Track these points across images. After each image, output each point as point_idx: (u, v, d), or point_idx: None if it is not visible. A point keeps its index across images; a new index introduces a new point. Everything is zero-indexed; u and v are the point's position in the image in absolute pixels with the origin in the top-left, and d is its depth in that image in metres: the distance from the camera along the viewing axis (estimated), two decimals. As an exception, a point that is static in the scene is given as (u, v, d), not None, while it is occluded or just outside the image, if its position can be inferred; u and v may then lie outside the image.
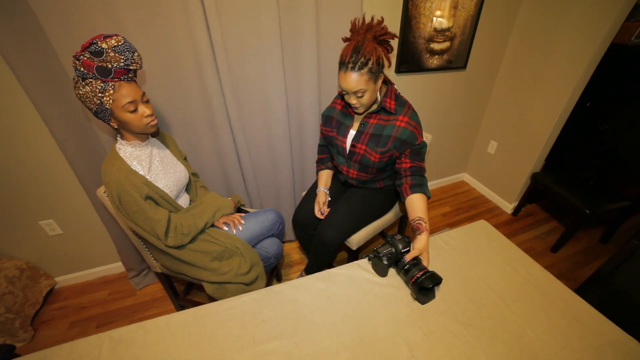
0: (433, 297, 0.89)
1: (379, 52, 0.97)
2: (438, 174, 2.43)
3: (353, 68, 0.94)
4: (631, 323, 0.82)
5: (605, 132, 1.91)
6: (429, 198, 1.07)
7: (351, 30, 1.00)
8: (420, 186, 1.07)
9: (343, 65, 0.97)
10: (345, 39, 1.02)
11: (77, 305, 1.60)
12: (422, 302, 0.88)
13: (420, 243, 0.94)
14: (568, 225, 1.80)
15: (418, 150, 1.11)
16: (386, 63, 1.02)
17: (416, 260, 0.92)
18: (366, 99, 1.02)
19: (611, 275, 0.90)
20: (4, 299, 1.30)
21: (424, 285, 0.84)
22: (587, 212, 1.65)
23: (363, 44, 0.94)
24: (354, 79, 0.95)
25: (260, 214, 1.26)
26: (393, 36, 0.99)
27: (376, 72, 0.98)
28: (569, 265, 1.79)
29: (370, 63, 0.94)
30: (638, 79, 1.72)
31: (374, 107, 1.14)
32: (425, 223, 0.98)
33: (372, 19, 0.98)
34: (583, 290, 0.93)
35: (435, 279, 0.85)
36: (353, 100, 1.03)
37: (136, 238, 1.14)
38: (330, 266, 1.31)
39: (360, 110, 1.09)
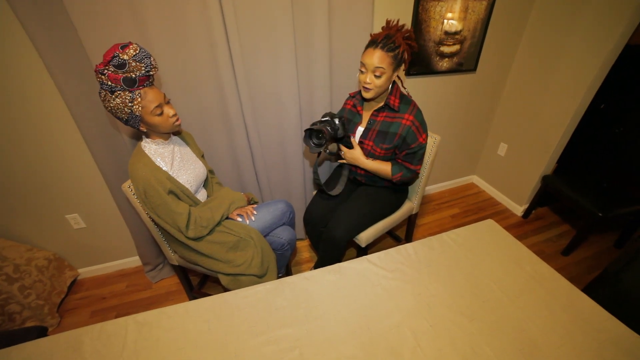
0: (313, 147, 1.15)
1: (405, 47, 1.06)
2: (447, 175, 2.44)
3: (382, 47, 1.04)
4: (638, 322, 0.83)
5: (620, 135, 1.88)
6: (392, 175, 1.24)
7: (383, 27, 1.10)
8: (396, 163, 1.25)
9: (373, 43, 1.06)
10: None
11: (97, 296, 1.69)
12: (307, 144, 1.16)
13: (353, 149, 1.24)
14: (580, 228, 1.78)
15: (413, 154, 1.21)
16: (405, 63, 1.11)
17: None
18: (380, 81, 1.09)
19: (618, 274, 0.91)
20: (35, 287, 1.39)
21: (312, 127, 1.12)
22: (600, 215, 1.64)
23: (395, 35, 1.05)
24: (379, 56, 1.04)
25: (271, 204, 1.33)
26: (416, 47, 1.10)
27: (398, 62, 1.08)
28: (580, 269, 1.77)
29: (397, 50, 1.05)
30: (653, 81, 1.70)
31: (381, 103, 1.21)
32: (369, 160, 1.24)
33: (404, 25, 1.08)
34: (589, 290, 0.94)
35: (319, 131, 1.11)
36: (369, 79, 1.10)
37: (156, 231, 1.21)
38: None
39: (370, 94, 1.14)
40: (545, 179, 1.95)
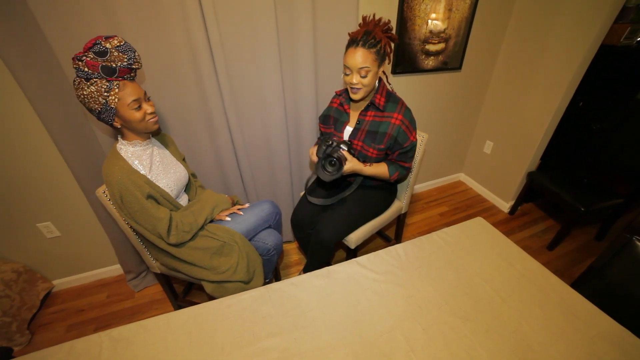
0: (329, 175, 1.10)
1: (386, 40, 1.03)
2: (435, 174, 2.45)
3: (364, 45, 1.00)
4: (624, 314, 0.83)
5: (597, 131, 1.94)
6: (390, 175, 1.23)
7: (360, 24, 1.06)
8: (391, 163, 1.24)
9: (353, 42, 1.02)
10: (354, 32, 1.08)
11: (74, 308, 1.59)
12: (321, 176, 1.11)
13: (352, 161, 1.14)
14: (564, 223, 1.82)
15: (405, 153, 1.20)
16: (388, 57, 1.08)
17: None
18: (368, 80, 1.05)
19: (604, 269, 0.92)
20: (0, 303, 1.29)
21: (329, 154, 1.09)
22: (582, 209, 1.67)
23: (373, 30, 1.01)
24: (362, 55, 1.00)
25: (255, 205, 1.28)
26: (396, 38, 1.06)
27: (382, 57, 1.04)
28: (565, 262, 1.81)
29: (379, 45, 1.01)
30: (627, 79, 1.76)
31: (367, 101, 1.19)
32: (369, 165, 1.20)
33: (381, 18, 1.04)
34: (578, 284, 0.95)
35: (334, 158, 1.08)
36: (355, 80, 1.06)
37: (135, 238, 1.14)
38: (329, 265, 1.31)
39: (359, 95, 1.10)
40: (530, 175, 1.98)
